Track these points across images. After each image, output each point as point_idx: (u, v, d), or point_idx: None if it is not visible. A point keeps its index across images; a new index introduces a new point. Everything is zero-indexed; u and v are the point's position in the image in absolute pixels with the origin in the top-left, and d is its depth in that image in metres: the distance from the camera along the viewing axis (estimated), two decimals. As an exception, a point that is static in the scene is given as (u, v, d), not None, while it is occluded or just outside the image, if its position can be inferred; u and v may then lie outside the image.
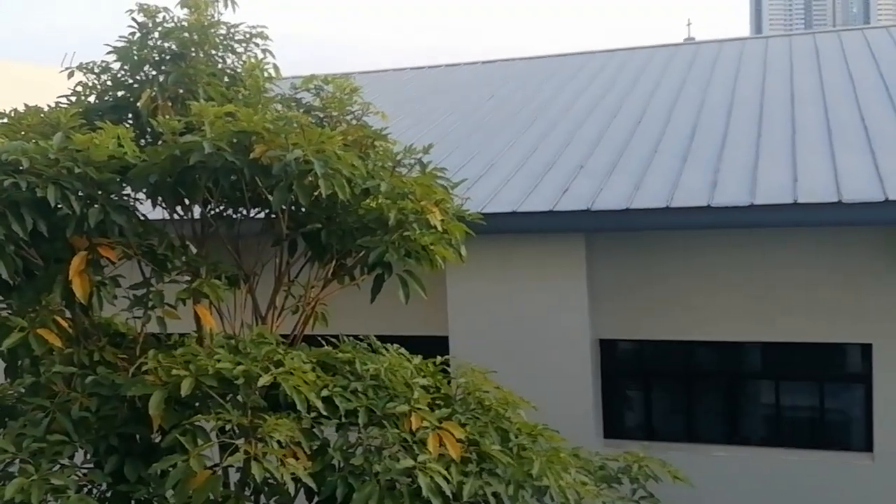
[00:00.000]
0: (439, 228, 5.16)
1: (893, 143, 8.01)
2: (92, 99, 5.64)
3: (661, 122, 9.89)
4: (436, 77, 15.36)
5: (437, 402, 5.31)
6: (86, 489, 4.61)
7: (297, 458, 4.34)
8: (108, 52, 5.61)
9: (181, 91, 5.40)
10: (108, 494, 4.65)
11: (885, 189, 6.97)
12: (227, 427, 4.53)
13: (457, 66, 15.97)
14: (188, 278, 5.09)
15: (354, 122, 5.93)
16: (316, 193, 4.71)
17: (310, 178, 4.64)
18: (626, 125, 9.99)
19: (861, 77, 10.53)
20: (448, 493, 4.50)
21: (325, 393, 4.74)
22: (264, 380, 4.38)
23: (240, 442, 4.29)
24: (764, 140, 8.67)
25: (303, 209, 5.11)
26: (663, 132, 9.47)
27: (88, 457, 4.67)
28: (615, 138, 9.53)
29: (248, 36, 5.89)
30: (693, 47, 14.33)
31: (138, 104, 5.32)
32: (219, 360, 4.46)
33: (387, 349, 5.63)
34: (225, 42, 5.80)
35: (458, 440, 4.82)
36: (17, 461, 4.25)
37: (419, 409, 4.89)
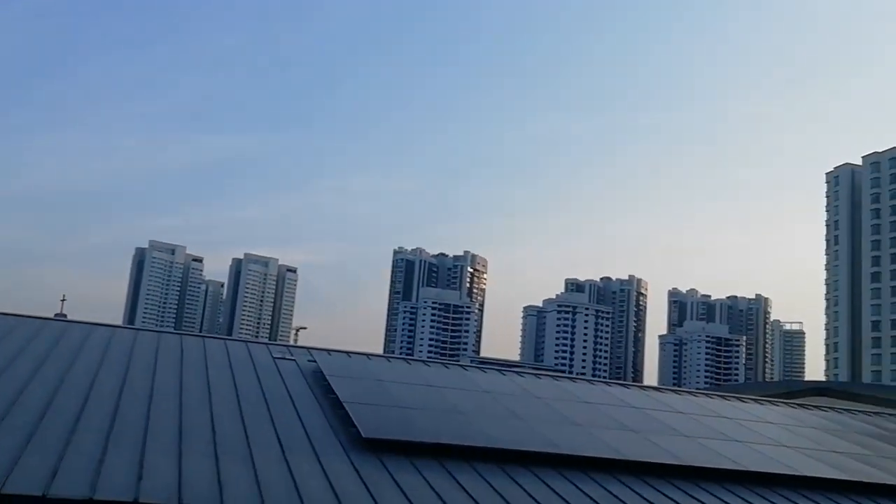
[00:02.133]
0: None
1: (237, 450, 8.52)
2: None
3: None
4: None
5: None
6: None
7: None
8: None
9: None
10: None
11: (224, 497, 7.26)
12: None
13: None
14: None
15: None
16: None
17: None
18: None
19: (217, 383, 11.24)
20: None
21: None
22: None
23: None
24: (116, 433, 8.50)
25: None
26: None
27: None
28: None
29: None
30: (63, 325, 13.91)
31: None
32: None
33: None
34: None
35: None
36: None
37: None
